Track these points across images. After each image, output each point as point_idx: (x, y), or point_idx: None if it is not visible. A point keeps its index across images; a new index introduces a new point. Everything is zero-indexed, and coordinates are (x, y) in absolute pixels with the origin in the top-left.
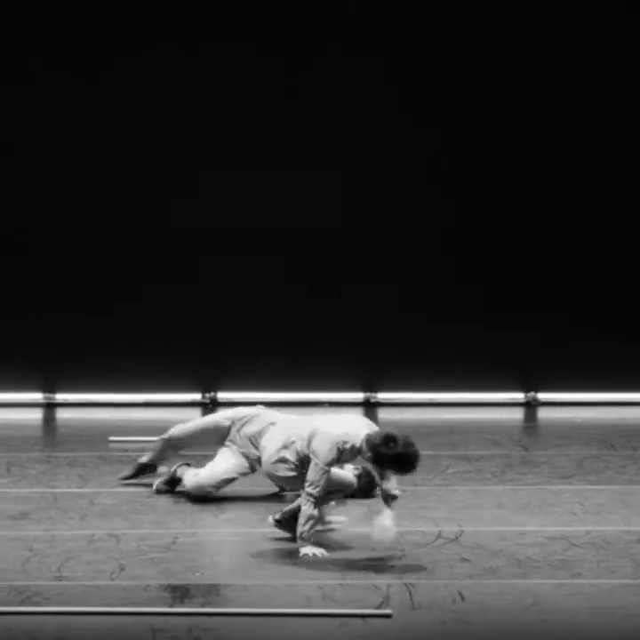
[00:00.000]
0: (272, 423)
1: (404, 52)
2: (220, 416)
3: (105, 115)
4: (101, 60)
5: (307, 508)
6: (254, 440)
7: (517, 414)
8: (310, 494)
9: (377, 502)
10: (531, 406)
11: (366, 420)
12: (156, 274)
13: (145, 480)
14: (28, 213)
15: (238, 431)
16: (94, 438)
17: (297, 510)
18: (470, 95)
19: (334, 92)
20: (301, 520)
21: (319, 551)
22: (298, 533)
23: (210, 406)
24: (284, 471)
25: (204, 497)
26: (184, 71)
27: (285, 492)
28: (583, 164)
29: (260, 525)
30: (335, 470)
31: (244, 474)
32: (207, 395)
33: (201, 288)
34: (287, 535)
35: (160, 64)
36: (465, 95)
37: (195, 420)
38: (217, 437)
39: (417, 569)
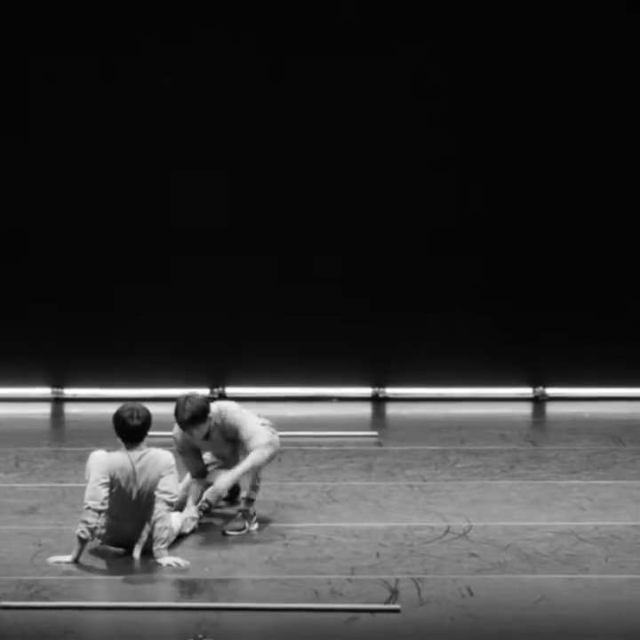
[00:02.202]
0: None
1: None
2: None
3: (102, 110)
4: (96, 60)
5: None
6: None
7: (526, 409)
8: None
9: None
10: (539, 401)
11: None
12: (163, 269)
13: None
14: (31, 210)
15: None
16: (103, 433)
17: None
18: (477, 93)
19: (326, 91)
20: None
21: (180, 561)
22: (160, 544)
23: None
24: None
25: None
26: (171, 70)
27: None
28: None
29: (269, 520)
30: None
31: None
32: (216, 390)
33: (208, 283)
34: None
35: (152, 64)
36: (472, 93)
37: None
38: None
39: (425, 564)
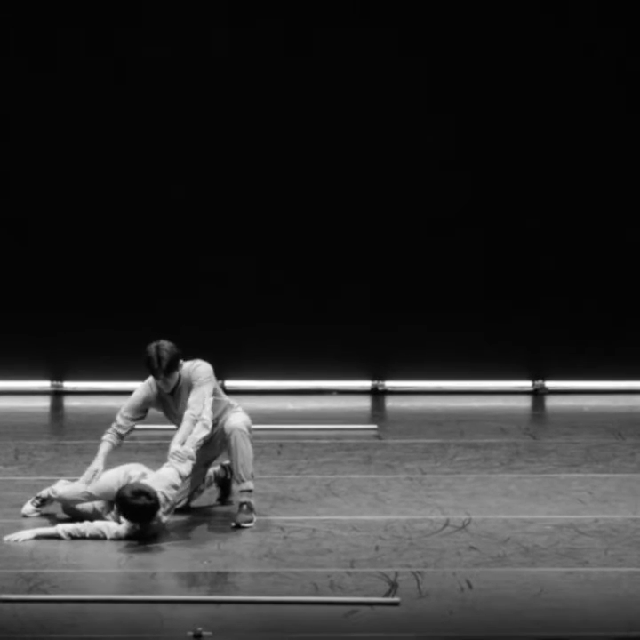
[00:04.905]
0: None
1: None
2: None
3: (104, 110)
4: (105, 56)
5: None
6: None
7: (525, 402)
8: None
9: None
10: (538, 394)
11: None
12: (164, 262)
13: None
14: (32, 207)
15: None
16: (102, 426)
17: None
18: (477, 81)
19: (329, 87)
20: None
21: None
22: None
23: None
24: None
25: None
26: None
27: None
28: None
29: (268, 513)
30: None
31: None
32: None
33: (208, 278)
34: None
35: (158, 63)
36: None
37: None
38: None
39: (424, 557)
